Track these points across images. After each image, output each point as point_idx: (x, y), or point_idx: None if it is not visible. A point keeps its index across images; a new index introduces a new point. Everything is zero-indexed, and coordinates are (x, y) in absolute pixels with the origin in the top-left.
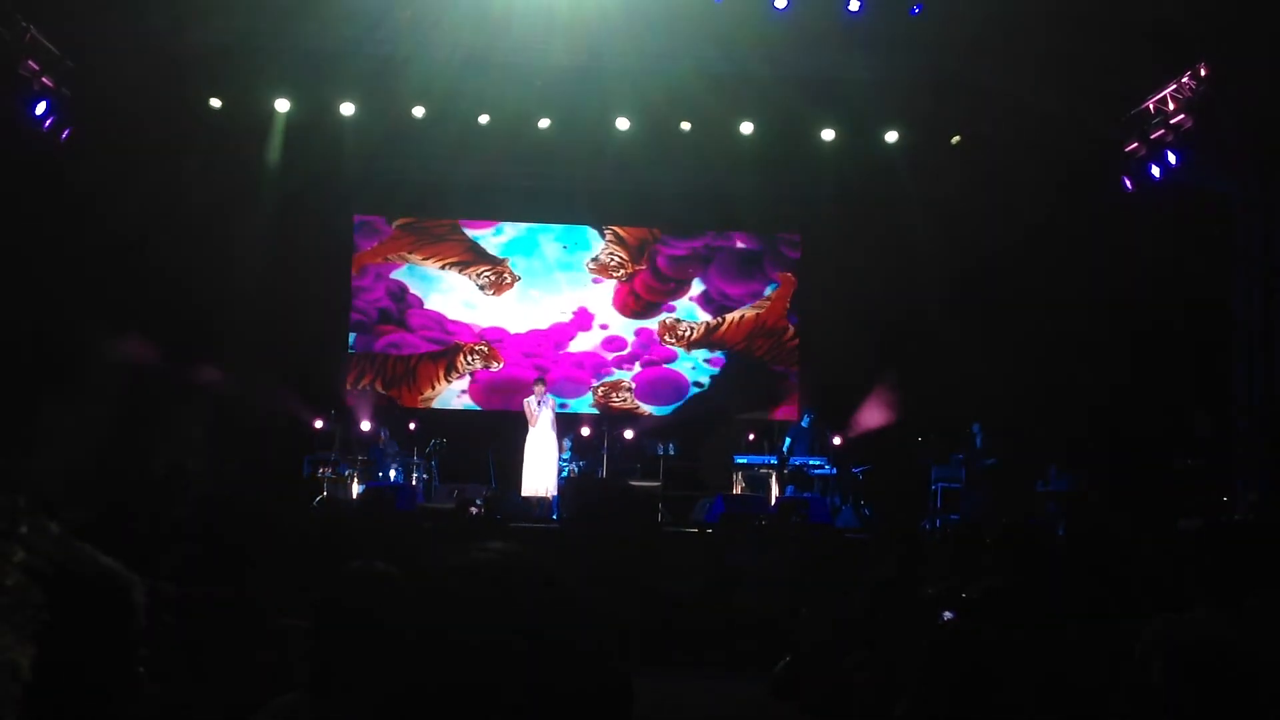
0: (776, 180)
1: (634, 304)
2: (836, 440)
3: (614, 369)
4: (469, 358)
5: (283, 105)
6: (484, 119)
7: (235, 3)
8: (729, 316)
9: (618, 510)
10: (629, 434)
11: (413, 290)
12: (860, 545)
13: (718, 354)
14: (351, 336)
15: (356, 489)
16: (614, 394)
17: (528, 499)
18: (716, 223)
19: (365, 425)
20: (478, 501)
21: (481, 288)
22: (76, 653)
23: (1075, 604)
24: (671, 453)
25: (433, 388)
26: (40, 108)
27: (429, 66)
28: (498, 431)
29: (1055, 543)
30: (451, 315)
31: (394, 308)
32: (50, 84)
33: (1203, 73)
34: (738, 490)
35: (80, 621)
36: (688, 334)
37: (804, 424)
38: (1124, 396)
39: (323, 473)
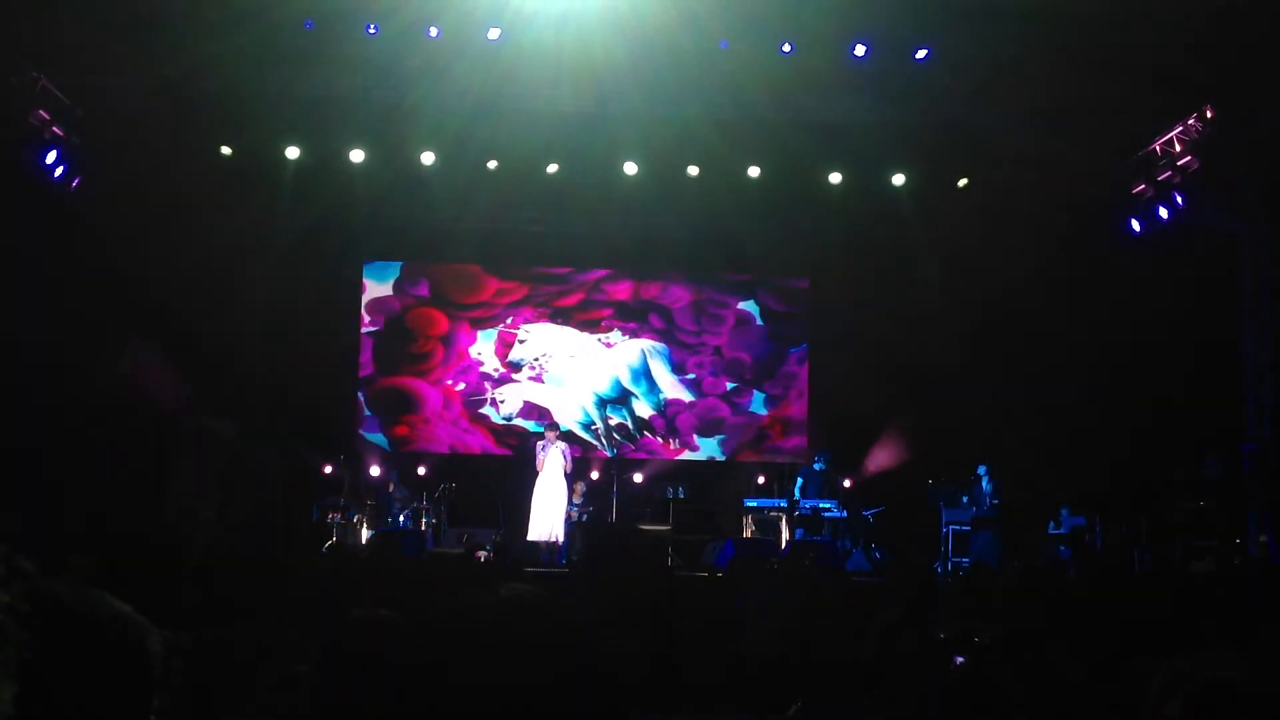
0: (784, 224)
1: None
2: (847, 483)
3: None
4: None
5: (293, 152)
6: (492, 164)
7: (245, 51)
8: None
9: (626, 554)
10: (638, 477)
11: None
12: (872, 589)
13: None
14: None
15: (365, 534)
16: None
17: (535, 544)
18: (725, 267)
19: (374, 470)
20: (486, 546)
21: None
22: (85, 698)
23: (1088, 646)
24: (681, 496)
25: None
26: (51, 156)
27: (438, 113)
28: (508, 476)
29: (1068, 585)
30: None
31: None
32: (60, 133)
33: (1209, 114)
34: (748, 533)
35: (89, 667)
36: None
37: (814, 467)
38: (1134, 438)
39: (332, 518)
